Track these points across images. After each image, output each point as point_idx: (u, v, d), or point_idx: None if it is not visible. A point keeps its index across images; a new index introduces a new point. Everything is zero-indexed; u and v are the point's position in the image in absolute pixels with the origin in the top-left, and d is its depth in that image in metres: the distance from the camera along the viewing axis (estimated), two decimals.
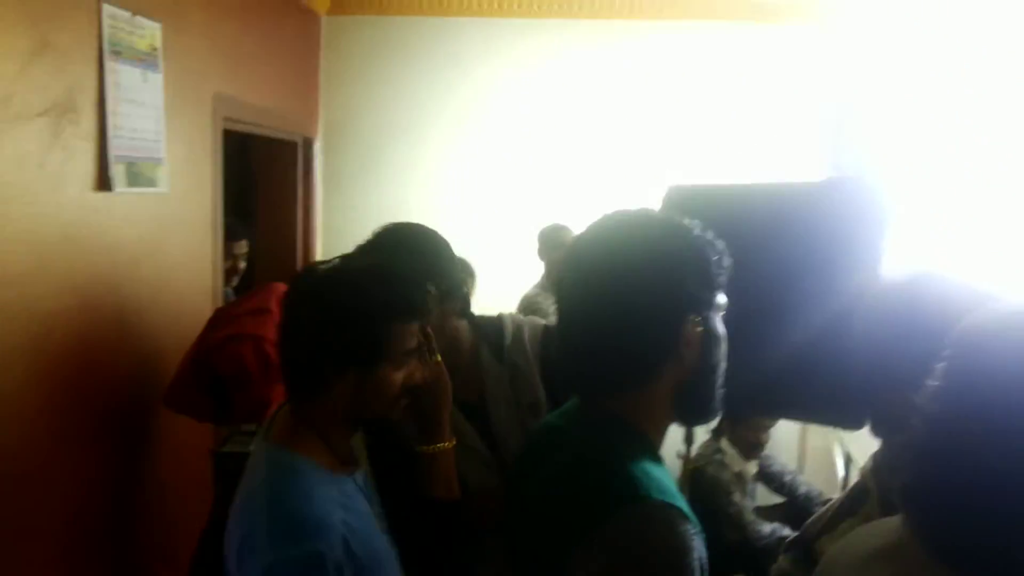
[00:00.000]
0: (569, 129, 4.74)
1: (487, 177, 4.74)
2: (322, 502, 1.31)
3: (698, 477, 3.17)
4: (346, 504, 1.37)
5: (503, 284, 4.02)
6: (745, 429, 3.26)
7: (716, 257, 1.17)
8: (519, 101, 4.75)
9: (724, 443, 3.27)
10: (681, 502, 1.07)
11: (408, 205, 4.69)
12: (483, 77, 4.73)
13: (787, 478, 3.47)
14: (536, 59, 4.72)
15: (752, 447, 3.29)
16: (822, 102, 3.37)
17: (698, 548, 1.02)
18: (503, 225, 4.68)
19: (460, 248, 1.73)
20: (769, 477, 3.46)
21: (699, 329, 1.13)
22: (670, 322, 1.11)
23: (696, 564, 1.00)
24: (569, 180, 4.67)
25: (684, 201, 2.09)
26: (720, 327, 1.18)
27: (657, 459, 1.15)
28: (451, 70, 4.74)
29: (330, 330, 1.37)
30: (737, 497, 3.13)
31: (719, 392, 1.19)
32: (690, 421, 1.27)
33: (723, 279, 1.18)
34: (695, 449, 3.31)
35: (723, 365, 1.19)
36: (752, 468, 3.34)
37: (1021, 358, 0.76)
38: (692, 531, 1.03)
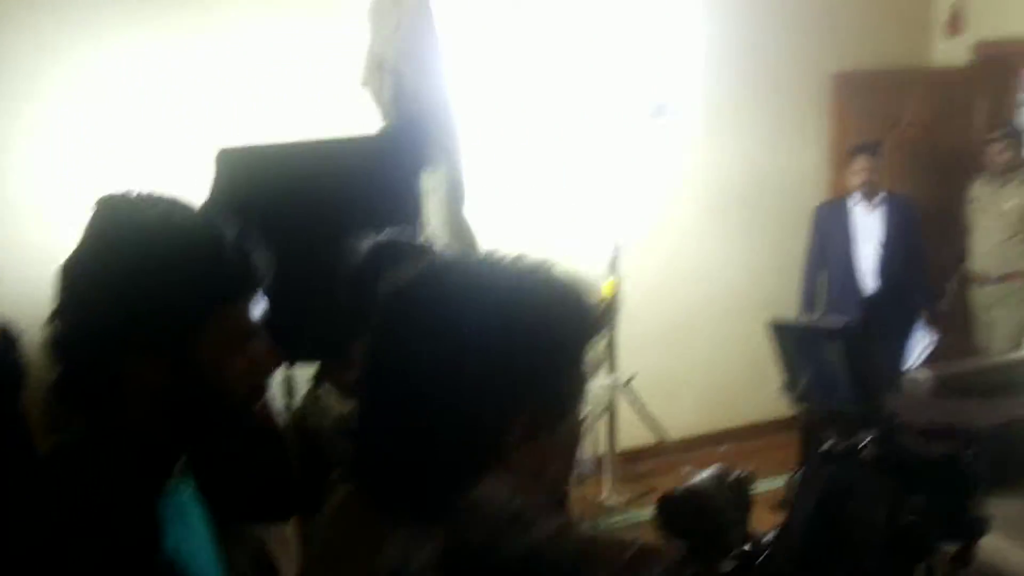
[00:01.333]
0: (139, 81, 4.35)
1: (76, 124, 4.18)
2: None
3: (302, 429, 3.23)
4: None
5: None
6: (341, 371, 3.39)
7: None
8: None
9: (324, 388, 3.38)
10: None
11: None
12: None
13: None
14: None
15: (352, 387, 3.44)
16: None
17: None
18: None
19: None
20: None
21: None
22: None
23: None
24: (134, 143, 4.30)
25: (235, 163, 2.11)
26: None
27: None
28: None
29: None
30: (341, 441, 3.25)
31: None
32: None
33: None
34: (297, 401, 3.37)
35: None
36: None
37: (428, 310, 0.91)
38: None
